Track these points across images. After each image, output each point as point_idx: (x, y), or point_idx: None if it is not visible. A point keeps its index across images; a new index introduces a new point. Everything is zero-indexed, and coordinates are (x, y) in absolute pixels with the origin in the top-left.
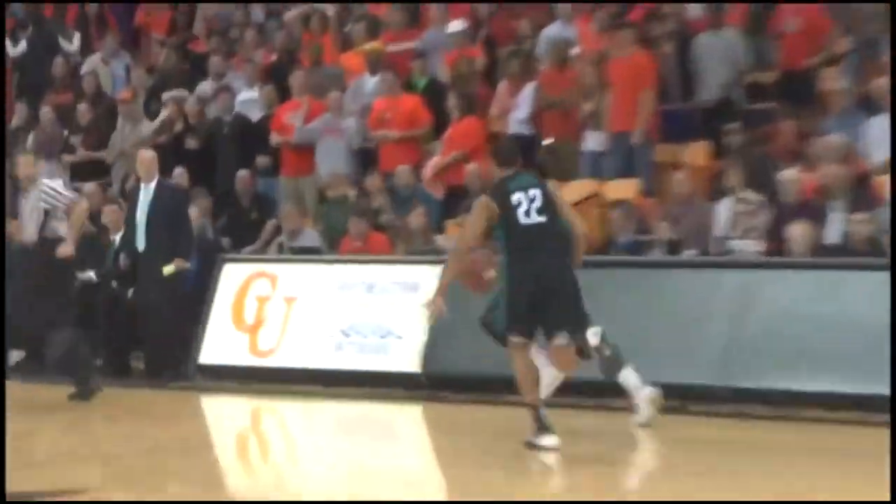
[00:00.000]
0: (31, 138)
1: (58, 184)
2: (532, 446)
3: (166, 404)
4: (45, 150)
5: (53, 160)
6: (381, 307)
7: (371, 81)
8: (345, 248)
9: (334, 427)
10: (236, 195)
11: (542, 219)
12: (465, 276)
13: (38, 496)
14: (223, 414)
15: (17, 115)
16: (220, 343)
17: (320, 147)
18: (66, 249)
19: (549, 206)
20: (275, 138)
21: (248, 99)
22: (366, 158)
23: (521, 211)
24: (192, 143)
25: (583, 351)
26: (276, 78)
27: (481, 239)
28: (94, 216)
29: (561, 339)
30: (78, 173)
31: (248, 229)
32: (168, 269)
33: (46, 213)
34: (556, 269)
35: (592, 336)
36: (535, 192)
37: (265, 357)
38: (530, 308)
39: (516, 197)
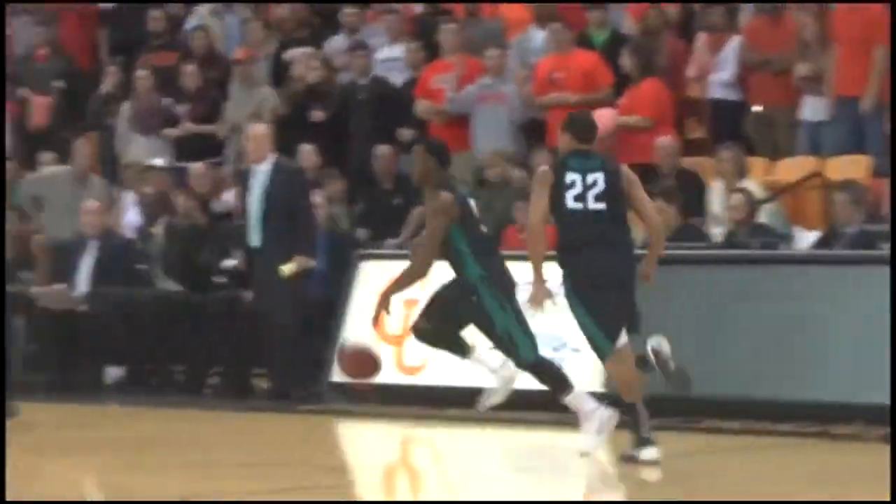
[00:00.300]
0: (125, 108)
1: None
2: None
3: (295, 432)
4: (143, 122)
5: (153, 134)
6: (554, 313)
7: (538, 36)
8: (509, 241)
9: (504, 461)
10: (375, 177)
11: (599, 206)
12: (352, 361)
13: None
14: (364, 444)
15: (109, 79)
16: None
17: (477, 117)
18: None
19: (612, 195)
20: (421, 107)
21: (390, 58)
22: (532, 130)
23: (571, 193)
24: (319, 113)
25: (644, 361)
26: (423, 33)
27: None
28: (205, 203)
29: (622, 338)
30: (184, 150)
31: (389, 218)
32: (288, 269)
33: None
34: (608, 262)
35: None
36: (595, 177)
37: (414, 374)
38: (593, 305)
39: (571, 177)
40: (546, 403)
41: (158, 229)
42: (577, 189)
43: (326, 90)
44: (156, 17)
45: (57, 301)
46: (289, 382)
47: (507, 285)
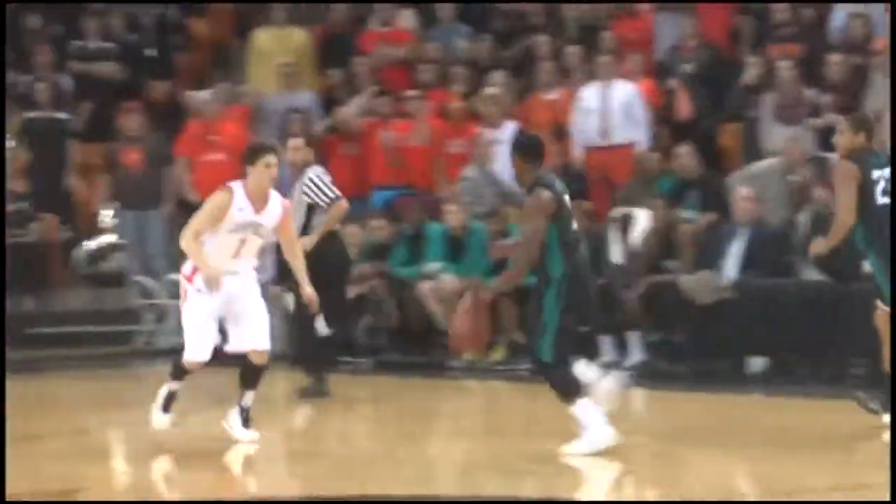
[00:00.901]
0: (767, 98)
1: (323, 177)
2: None
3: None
4: (786, 112)
5: (798, 125)
6: None
7: None
8: None
9: None
10: None
11: (888, 200)
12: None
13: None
14: None
15: (751, 69)
16: None
17: None
18: (306, 241)
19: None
20: None
21: None
22: None
23: (879, 189)
24: None
25: None
26: None
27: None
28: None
29: None
30: (826, 141)
31: None
32: None
33: (311, 207)
34: None
35: None
36: (885, 173)
37: None
38: None
39: (877, 174)
40: None
41: (803, 219)
42: (882, 184)
43: None
44: (782, 9)
45: (702, 288)
46: None
47: (587, 288)
